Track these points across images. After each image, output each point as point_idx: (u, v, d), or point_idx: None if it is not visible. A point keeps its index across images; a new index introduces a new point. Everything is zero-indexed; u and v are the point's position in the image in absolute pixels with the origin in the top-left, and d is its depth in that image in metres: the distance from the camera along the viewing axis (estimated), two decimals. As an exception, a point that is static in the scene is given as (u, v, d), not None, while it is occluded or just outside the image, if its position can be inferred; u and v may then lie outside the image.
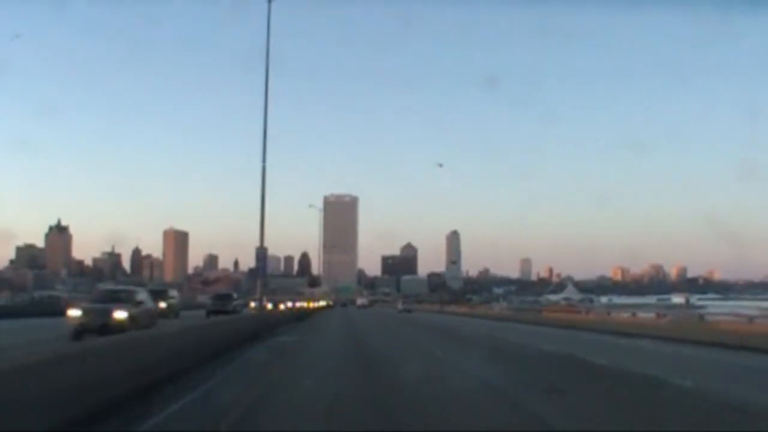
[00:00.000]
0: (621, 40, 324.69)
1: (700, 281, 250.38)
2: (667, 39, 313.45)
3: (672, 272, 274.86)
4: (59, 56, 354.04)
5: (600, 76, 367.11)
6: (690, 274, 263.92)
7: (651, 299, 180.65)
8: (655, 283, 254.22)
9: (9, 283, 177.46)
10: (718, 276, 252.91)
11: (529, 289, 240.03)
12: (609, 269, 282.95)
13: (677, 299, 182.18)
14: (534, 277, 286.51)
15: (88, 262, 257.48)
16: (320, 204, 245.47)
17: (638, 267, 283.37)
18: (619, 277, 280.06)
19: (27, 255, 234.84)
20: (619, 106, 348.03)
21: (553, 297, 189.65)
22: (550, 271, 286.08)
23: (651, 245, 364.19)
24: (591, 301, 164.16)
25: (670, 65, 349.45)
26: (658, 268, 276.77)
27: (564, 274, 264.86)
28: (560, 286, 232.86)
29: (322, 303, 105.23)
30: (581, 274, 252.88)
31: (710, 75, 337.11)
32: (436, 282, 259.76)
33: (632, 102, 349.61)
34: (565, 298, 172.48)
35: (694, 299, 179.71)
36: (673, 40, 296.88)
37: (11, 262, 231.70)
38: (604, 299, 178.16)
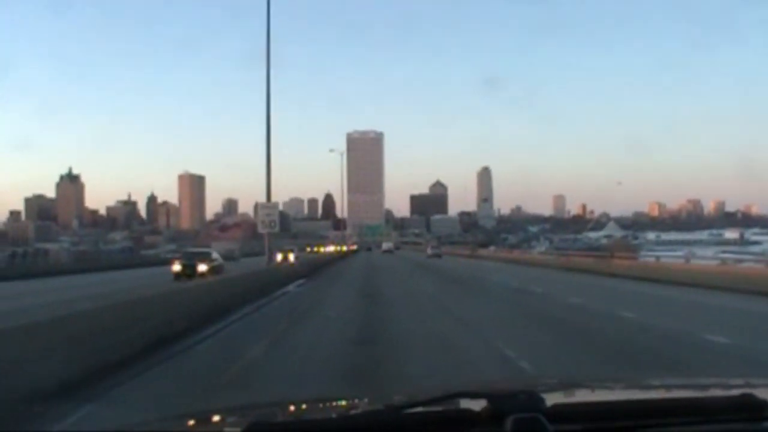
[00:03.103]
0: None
1: (738, 215, 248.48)
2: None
3: (709, 206, 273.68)
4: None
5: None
6: (728, 209, 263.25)
7: (701, 235, 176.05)
8: (693, 219, 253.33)
9: (7, 237, 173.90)
10: (756, 210, 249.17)
11: (565, 227, 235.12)
12: (643, 205, 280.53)
13: (731, 234, 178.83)
14: (567, 215, 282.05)
15: (102, 211, 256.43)
16: (343, 142, 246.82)
17: (675, 202, 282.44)
18: (656, 212, 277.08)
19: (36, 206, 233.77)
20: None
21: (593, 235, 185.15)
22: (584, 208, 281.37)
23: (687, 180, 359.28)
24: (636, 238, 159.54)
25: None
26: (695, 203, 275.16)
27: (597, 211, 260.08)
28: (599, 224, 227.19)
29: (340, 248, 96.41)
30: (616, 210, 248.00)
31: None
32: (467, 221, 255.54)
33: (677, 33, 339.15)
34: (607, 236, 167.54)
35: (749, 234, 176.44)
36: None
37: (11, 213, 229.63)
38: (651, 235, 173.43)
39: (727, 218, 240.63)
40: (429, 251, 79.69)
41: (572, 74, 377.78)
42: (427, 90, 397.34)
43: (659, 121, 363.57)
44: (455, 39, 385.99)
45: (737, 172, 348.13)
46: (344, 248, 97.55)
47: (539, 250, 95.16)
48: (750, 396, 2.09)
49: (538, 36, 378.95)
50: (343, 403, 2.94)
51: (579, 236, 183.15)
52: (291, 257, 58.14)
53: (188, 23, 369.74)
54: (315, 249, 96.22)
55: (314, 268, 43.61)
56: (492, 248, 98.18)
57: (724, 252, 64.13)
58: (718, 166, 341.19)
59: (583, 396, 2.88)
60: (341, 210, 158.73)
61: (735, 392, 2.03)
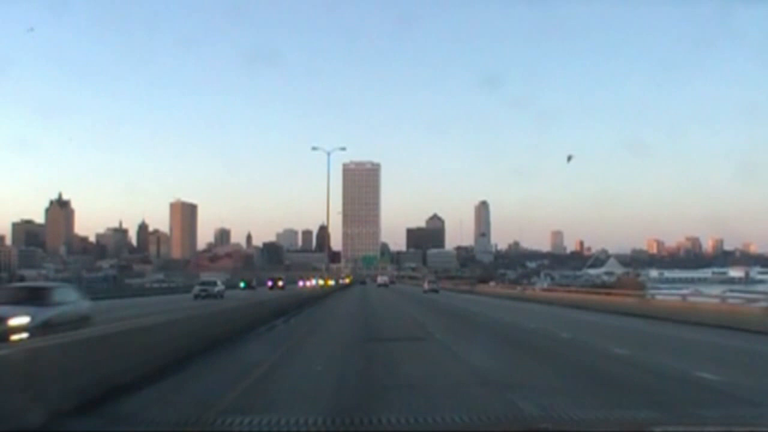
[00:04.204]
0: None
1: (737, 254, 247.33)
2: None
3: (708, 244, 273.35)
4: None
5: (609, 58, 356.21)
6: (726, 247, 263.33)
7: (704, 273, 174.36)
8: (692, 256, 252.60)
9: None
10: (754, 249, 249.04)
11: (563, 263, 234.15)
12: (640, 242, 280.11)
13: (735, 273, 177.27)
14: (564, 251, 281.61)
15: (92, 238, 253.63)
16: (339, 173, 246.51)
17: (673, 239, 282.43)
18: (654, 249, 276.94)
19: (24, 231, 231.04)
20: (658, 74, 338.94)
21: (592, 271, 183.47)
22: (581, 244, 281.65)
23: (685, 218, 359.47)
24: (638, 275, 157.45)
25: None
26: (693, 241, 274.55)
27: (595, 248, 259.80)
28: (599, 260, 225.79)
29: (328, 282, 76.90)
30: (613, 247, 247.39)
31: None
32: (465, 256, 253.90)
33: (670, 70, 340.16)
34: (608, 273, 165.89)
35: (754, 273, 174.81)
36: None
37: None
38: (653, 273, 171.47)
39: (725, 256, 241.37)
40: (426, 286, 78.02)
41: (572, 108, 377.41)
42: (425, 121, 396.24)
43: (657, 160, 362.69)
44: (455, 65, 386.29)
45: (736, 210, 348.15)
46: (328, 282, 77.94)
47: (541, 286, 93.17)
48: None
49: (542, 60, 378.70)
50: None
51: (579, 273, 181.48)
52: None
53: (180, 48, 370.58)
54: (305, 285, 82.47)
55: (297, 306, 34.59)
56: (492, 284, 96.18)
57: (732, 290, 62.46)
58: (716, 204, 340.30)
59: None
60: (336, 240, 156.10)
61: None
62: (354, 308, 38.30)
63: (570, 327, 24.02)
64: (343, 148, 69.42)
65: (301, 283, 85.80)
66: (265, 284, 78.51)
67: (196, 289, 49.36)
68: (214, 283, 51.79)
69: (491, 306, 41.83)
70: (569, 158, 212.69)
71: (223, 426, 7.78)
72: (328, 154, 63.90)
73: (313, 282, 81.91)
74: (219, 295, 46.31)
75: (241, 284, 75.71)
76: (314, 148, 67.08)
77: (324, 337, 19.98)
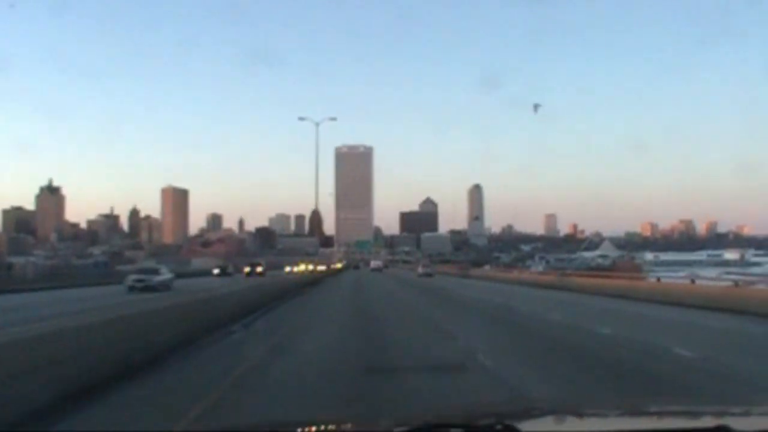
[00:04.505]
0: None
1: (730, 236, 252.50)
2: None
3: (702, 227, 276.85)
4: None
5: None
6: (720, 229, 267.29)
7: (699, 255, 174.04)
8: (685, 239, 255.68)
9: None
10: (748, 231, 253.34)
11: (557, 246, 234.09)
12: (634, 225, 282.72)
13: (730, 255, 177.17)
14: (558, 234, 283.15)
15: (83, 225, 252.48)
16: (332, 157, 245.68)
17: (667, 222, 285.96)
18: (648, 232, 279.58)
19: (14, 218, 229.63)
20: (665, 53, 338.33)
21: (587, 254, 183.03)
22: (575, 227, 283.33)
23: (679, 200, 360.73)
24: (632, 258, 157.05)
25: None
26: (687, 223, 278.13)
27: (588, 231, 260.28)
28: (593, 243, 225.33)
29: (320, 267, 73.59)
30: (607, 230, 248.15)
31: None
32: (458, 240, 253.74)
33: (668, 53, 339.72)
34: (602, 256, 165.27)
35: (749, 255, 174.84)
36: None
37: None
38: (648, 256, 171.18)
39: (719, 239, 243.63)
40: (420, 270, 77.53)
41: (565, 91, 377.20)
42: (418, 105, 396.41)
43: (651, 142, 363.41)
44: (450, 50, 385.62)
45: (730, 192, 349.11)
46: (309, 266, 73.06)
47: (536, 269, 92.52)
48: (725, 429, 2.05)
49: (535, 50, 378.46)
50: (326, 428, 3.01)
51: (573, 256, 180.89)
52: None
53: (175, 37, 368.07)
54: (296, 268, 76.24)
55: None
56: (487, 267, 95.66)
57: (729, 273, 62.22)
58: (709, 187, 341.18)
59: (556, 425, 2.92)
60: (330, 225, 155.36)
61: (709, 423, 2.26)
62: (346, 301, 31.22)
63: (611, 322, 19.43)
64: (334, 118, 65.82)
65: (288, 269, 77.50)
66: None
67: (131, 279, 36.61)
68: (156, 271, 39.66)
69: (500, 293, 36.33)
70: (536, 107, 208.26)
71: None
72: (317, 125, 61.00)
73: (302, 267, 73.00)
74: (163, 287, 35.56)
75: (215, 271, 65.86)
76: (301, 119, 63.50)
77: (293, 366, 10.99)
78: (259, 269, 65.33)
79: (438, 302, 29.84)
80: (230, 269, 68.12)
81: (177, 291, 33.66)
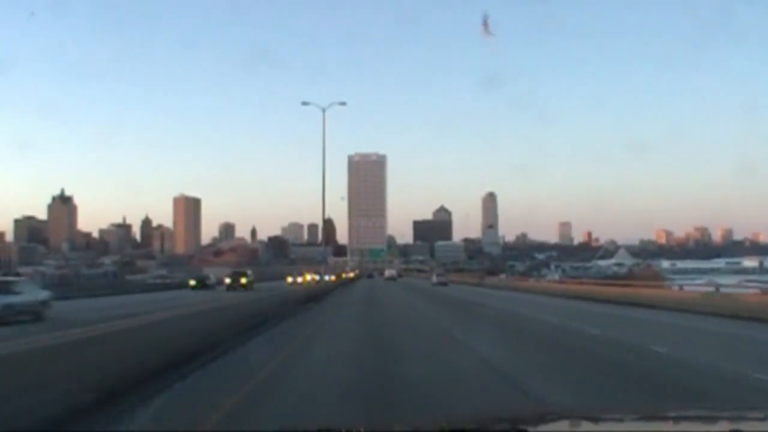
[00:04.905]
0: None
1: (746, 243, 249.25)
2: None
3: (717, 234, 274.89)
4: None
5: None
6: (735, 237, 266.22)
7: (717, 263, 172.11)
8: (701, 246, 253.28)
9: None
10: (763, 238, 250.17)
11: (571, 254, 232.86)
12: (649, 232, 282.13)
13: (749, 263, 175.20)
14: (572, 242, 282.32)
15: (95, 234, 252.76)
16: (345, 164, 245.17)
17: (681, 230, 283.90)
18: (663, 240, 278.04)
19: (26, 227, 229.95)
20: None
21: (602, 263, 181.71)
22: (589, 235, 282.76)
23: (693, 207, 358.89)
24: (649, 266, 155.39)
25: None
26: (702, 231, 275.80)
27: (603, 239, 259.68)
28: (608, 252, 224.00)
29: (325, 278, 60.98)
30: (621, 238, 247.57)
31: None
32: (472, 248, 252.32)
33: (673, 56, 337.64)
34: (618, 264, 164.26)
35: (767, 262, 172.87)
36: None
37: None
38: (665, 264, 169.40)
39: (734, 246, 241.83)
40: (434, 279, 77.18)
41: (579, 97, 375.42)
42: (432, 113, 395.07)
43: (664, 148, 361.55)
44: (462, 57, 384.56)
45: (743, 199, 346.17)
46: (306, 277, 68.41)
47: (552, 278, 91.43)
48: None
49: (545, 57, 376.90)
50: None
51: (589, 264, 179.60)
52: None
53: (184, 43, 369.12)
54: (302, 279, 70.12)
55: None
56: (503, 276, 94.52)
57: (749, 281, 60.88)
58: (723, 194, 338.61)
59: (571, 431, 2.98)
60: (343, 234, 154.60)
61: (725, 428, 2.30)
62: (354, 327, 22.06)
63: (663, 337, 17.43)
64: (343, 103, 57.94)
65: (291, 279, 70.33)
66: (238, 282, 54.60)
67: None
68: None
69: (522, 303, 34.73)
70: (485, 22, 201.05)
71: None
72: (323, 110, 55.01)
73: (308, 278, 66.95)
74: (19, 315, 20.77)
75: (191, 282, 56.50)
76: (304, 103, 56.22)
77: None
78: (244, 280, 53.03)
79: (467, 319, 25.29)
80: (211, 280, 58.09)
81: (51, 321, 20.77)
